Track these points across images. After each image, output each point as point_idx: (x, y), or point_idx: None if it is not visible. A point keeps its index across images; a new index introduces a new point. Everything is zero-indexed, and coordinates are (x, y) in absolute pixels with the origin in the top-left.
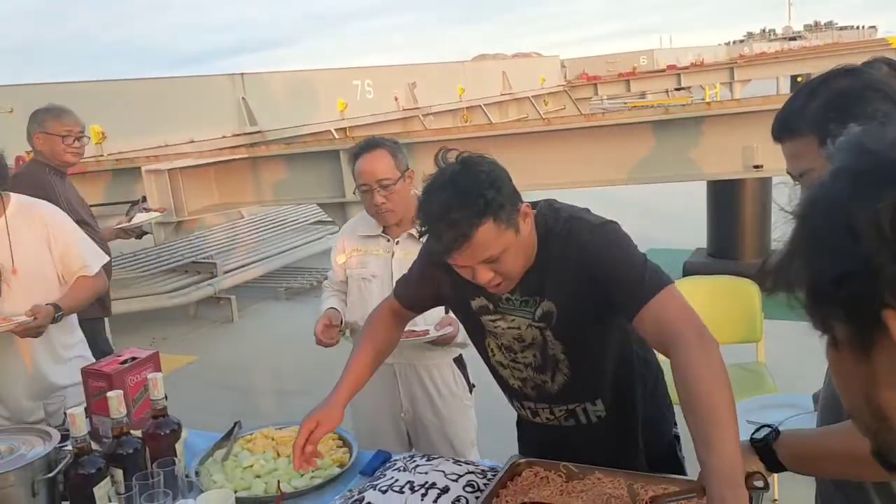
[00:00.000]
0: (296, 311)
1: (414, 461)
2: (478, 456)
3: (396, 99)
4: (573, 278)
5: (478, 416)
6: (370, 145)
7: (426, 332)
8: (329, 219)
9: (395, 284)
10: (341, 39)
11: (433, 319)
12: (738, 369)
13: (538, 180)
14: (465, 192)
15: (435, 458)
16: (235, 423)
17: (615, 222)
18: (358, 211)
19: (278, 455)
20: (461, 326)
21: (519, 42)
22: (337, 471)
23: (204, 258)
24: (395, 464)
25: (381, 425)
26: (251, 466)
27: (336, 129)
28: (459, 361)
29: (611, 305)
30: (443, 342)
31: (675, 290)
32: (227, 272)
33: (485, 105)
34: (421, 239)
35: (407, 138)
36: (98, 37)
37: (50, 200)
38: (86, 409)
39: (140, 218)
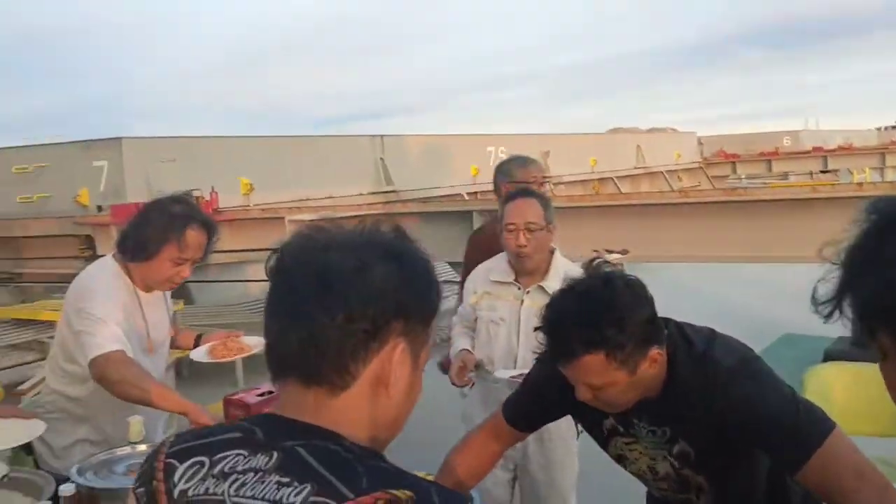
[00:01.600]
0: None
1: None
2: (575, 500)
3: None
4: (711, 427)
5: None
6: (526, 192)
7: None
8: (458, 279)
9: (503, 409)
10: (475, 109)
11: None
12: (885, 465)
13: (669, 252)
14: (589, 315)
15: None
16: None
17: (754, 356)
18: None
19: None
20: None
21: (654, 118)
22: None
23: None
24: None
25: None
26: None
27: (468, 193)
28: None
29: (762, 453)
30: None
31: (840, 437)
32: None
33: (617, 178)
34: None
35: None
36: (245, 100)
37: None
38: None
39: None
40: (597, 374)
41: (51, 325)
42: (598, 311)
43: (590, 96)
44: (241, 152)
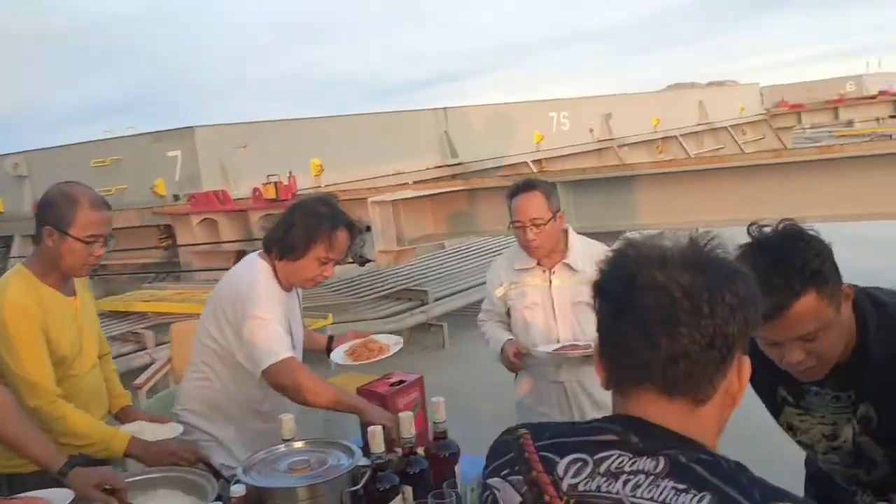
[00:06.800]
0: None
1: None
2: None
3: (591, 130)
4: None
5: None
6: (527, 186)
7: (588, 347)
8: None
9: None
10: (533, 69)
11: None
12: None
13: (764, 214)
14: (788, 259)
15: None
16: None
17: None
18: None
19: None
20: None
21: (711, 70)
22: None
23: (415, 286)
24: None
25: None
26: None
27: (532, 161)
28: None
29: None
30: None
31: None
32: (437, 300)
33: (680, 135)
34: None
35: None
36: (307, 73)
37: None
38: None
39: None
40: (811, 317)
41: (143, 316)
42: (796, 253)
43: (650, 51)
44: (310, 133)
